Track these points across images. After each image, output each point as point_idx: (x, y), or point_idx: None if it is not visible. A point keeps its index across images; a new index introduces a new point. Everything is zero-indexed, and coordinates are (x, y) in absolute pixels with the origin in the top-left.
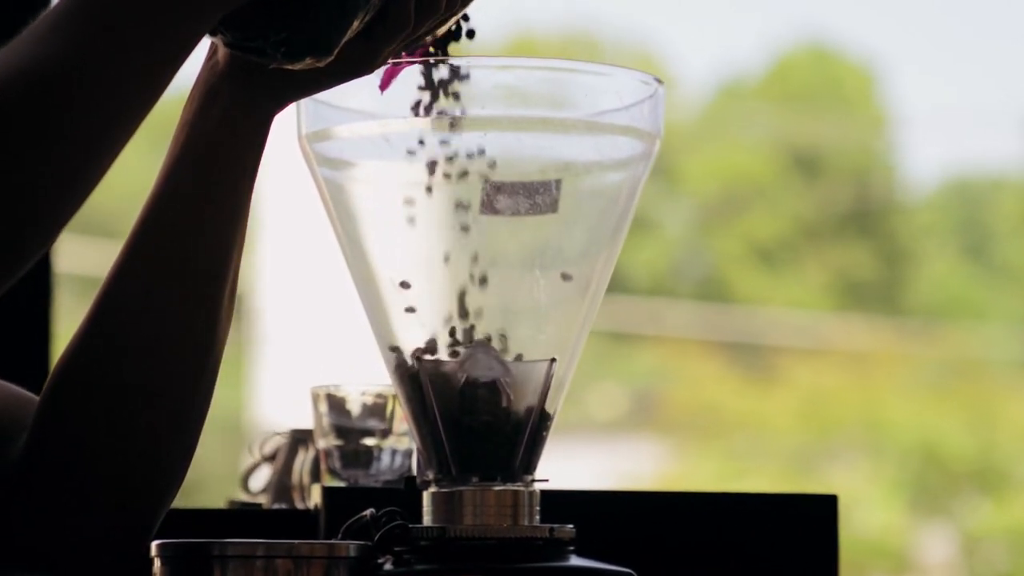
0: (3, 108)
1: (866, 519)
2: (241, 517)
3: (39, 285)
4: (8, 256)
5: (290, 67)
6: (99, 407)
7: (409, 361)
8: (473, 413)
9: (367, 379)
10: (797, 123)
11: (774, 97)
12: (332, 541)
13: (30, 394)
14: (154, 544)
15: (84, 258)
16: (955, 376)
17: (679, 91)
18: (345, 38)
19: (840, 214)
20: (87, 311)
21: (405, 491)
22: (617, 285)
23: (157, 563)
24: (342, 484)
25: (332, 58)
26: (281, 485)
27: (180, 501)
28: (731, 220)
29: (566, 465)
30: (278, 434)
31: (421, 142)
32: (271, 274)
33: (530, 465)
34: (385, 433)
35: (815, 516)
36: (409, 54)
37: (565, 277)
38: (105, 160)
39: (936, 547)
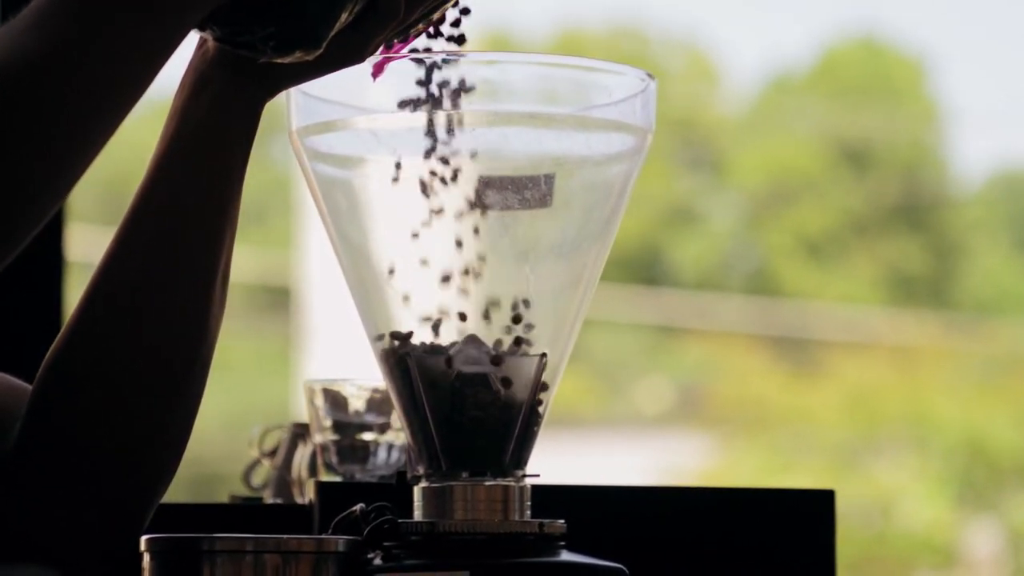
0: None
1: (912, 514)
2: (239, 512)
3: (52, 274)
4: None
5: (280, 61)
6: (92, 395)
7: (399, 355)
8: (463, 407)
9: (366, 373)
10: (846, 116)
11: (823, 90)
12: (321, 536)
13: (24, 383)
14: (143, 539)
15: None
16: (1003, 371)
17: (728, 84)
18: (334, 30)
19: (889, 208)
20: (79, 299)
21: (397, 486)
22: (665, 279)
23: (146, 558)
24: (338, 479)
25: (321, 51)
26: (281, 480)
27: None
28: (780, 214)
29: (610, 459)
30: (279, 428)
31: (412, 137)
32: (318, 268)
33: (521, 460)
34: (383, 428)
35: (812, 512)
36: (401, 43)
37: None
38: (88, 152)
39: (982, 542)
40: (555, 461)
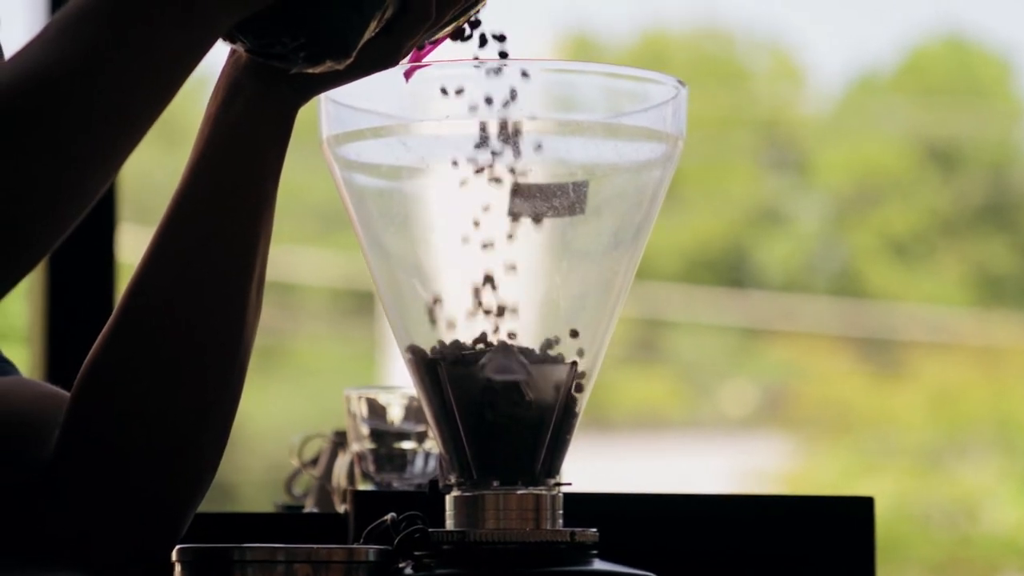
0: (13, 111)
1: (997, 517)
2: (276, 521)
3: (103, 276)
4: (15, 258)
5: (311, 70)
6: (128, 401)
7: (430, 364)
8: (494, 416)
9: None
10: (933, 116)
11: (909, 90)
12: (352, 546)
13: (62, 390)
14: (175, 549)
15: None
16: None
17: (813, 84)
18: (364, 38)
19: (976, 207)
20: (116, 306)
21: (429, 495)
22: (750, 280)
23: (178, 568)
24: (374, 488)
25: (352, 59)
26: (322, 488)
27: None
28: (866, 214)
29: (694, 462)
30: (319, 436)
31: (442, 145)
32: None
33: (552, 468)
34: (421, 436)
35: (851, 519)
36: (433, 44)
37: (573, 335)
38: (113, 162)
39: None
40: (639, 464)
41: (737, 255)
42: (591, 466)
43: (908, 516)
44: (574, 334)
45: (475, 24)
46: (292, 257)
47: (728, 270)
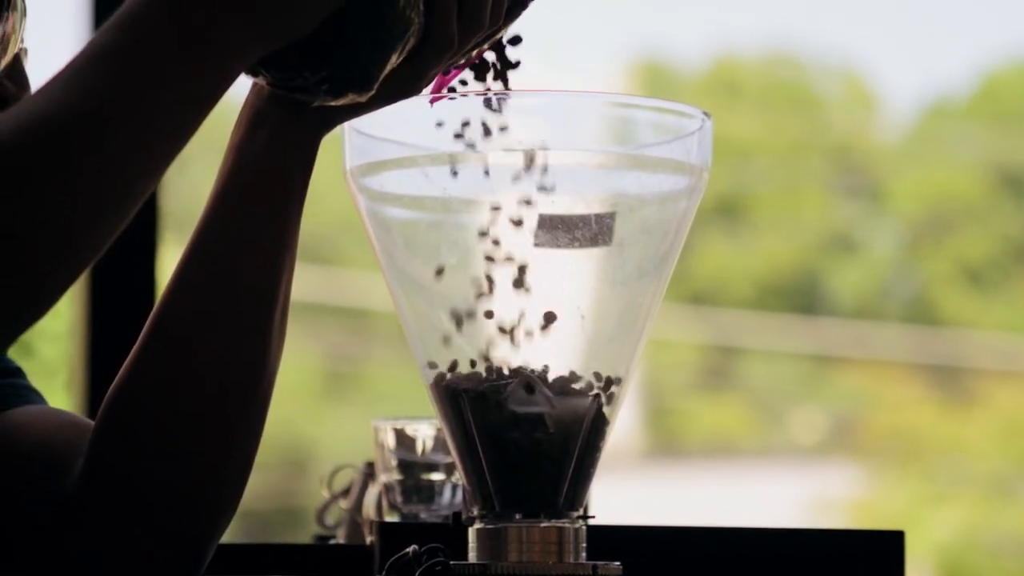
0: (27, 153)
1: None
2: (305, 553)
3: (143, 297)
4: (30, 298)
5: (334, 103)
6: (150, 433)
7: (453, 395)
8: (516, 448)
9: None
10: (1007, 142)
11: (983, 116)
12: None
13: (86, 420)
14: None
15: None
16: None
17: (886, 110)
18: (385, 71)
19: None
20: (140, 336)
21: (453, 527)
22: (822, 307)
23: None
24: (400, 519)
25: (374, 92)
26: (353, 520)
27: None
28: (939, 241)
29: (766, 490)
30: (349, 467)
31: (466, 175)
32: None
33: (575, 501)
34: (450, 468)
35: (882, 554)
36: (457, 69)
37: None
38: (129, 203)
39: None
40: (710, 491)
41: (809, 282)
42: (662, 493)
43: (978, 545)
44: (598, 372)
45: (515, 41)
46: (363, 283)
47: (800, 297)
